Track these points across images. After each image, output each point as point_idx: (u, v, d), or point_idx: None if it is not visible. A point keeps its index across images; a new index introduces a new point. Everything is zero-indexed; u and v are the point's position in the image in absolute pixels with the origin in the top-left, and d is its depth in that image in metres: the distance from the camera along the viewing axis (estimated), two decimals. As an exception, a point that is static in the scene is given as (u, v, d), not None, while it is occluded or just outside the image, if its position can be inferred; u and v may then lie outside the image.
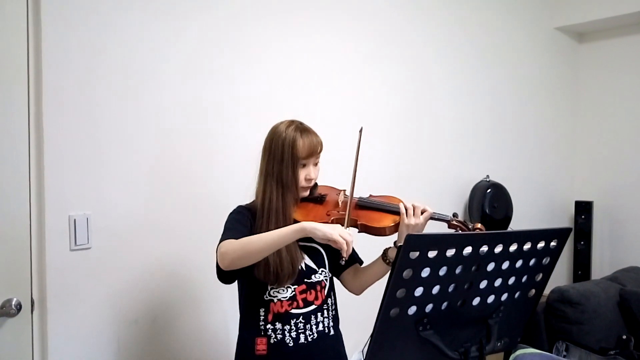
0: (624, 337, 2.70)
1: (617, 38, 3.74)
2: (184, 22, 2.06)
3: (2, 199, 1.69)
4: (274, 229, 1.54)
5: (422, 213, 1.59)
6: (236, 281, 1.63)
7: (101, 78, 1.86)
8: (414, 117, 2.92)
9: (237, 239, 1.48)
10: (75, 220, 1.80)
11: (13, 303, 1.70)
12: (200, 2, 2.10)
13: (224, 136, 2.18)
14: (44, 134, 1.74)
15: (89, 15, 1.82)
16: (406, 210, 1.59)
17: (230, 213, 1.65)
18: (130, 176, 1.93)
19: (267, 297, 1.59)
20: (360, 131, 1.66)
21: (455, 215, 1.65)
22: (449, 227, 1.64)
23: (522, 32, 3.53)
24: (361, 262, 1.80)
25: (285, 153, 1.58)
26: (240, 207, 1.67)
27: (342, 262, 1.50)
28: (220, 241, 1.52)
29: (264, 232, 1.53)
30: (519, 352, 2.07)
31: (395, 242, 1.67)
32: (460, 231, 1.61)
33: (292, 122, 1.64)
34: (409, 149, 2.90)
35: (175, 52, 2.04)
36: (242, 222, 1.60)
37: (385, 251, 1.69)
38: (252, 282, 1.59)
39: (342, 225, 1.59)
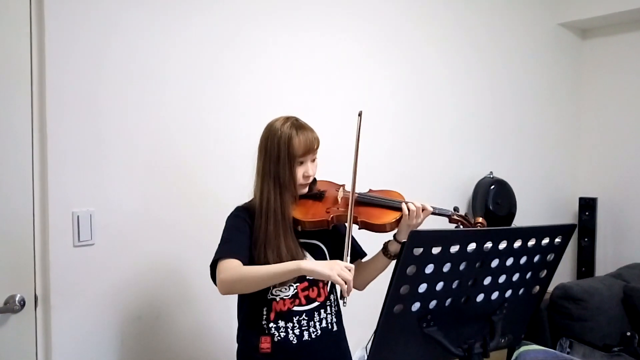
0: (628, 333, 2.71)
1: (620, 34, 3.72)
2: (185, 20, 2.05)
3: (5, 196, 1.70)
4: (273, 228, 1.55)
5: (422, 211, 1.59)
6: None
7: (103, 76, 1.86)
8: (417, 113, 2.91)
9: (234, 255, 1.49)
10: (78, 216, 1.80)
11: (17, 299, 1.71)
12: (201, 0, 2.10)
13: (225, 134, 2.18)
14: (47, 132, 1.75)
15: (91, 14, 1.82)
16: (409, 211, 1.57)
17: (228, 217, 1.63)
18: (133, 173, 1.93)
19: (269, 296, 1.59)
20: (360, 115, 1.62)
21: (456, 209, 1.64)
22: (450, 221, 1.63)
23: (525, 28, 3.51)
24: (364, 255, 1.79)
25: (282, 152, 1.56)
26: (238, 209, 1.65)
27: (343, 303, 1.46)
28: (217, 253, 1.52)
29: (263, 231, 1.55)
30: (523, 348, 2.06)
31: (395, 236, 1.66)
32: (461, 226, 1.60)
33: (287, 118, 1.61)
34: (412, 145, 2.89)
35: (177, 50, 2.04)
36: (240, 229, 1.58)
37: (386, 245, 1.68)
38: None
39: (343, 222, 1.57)
